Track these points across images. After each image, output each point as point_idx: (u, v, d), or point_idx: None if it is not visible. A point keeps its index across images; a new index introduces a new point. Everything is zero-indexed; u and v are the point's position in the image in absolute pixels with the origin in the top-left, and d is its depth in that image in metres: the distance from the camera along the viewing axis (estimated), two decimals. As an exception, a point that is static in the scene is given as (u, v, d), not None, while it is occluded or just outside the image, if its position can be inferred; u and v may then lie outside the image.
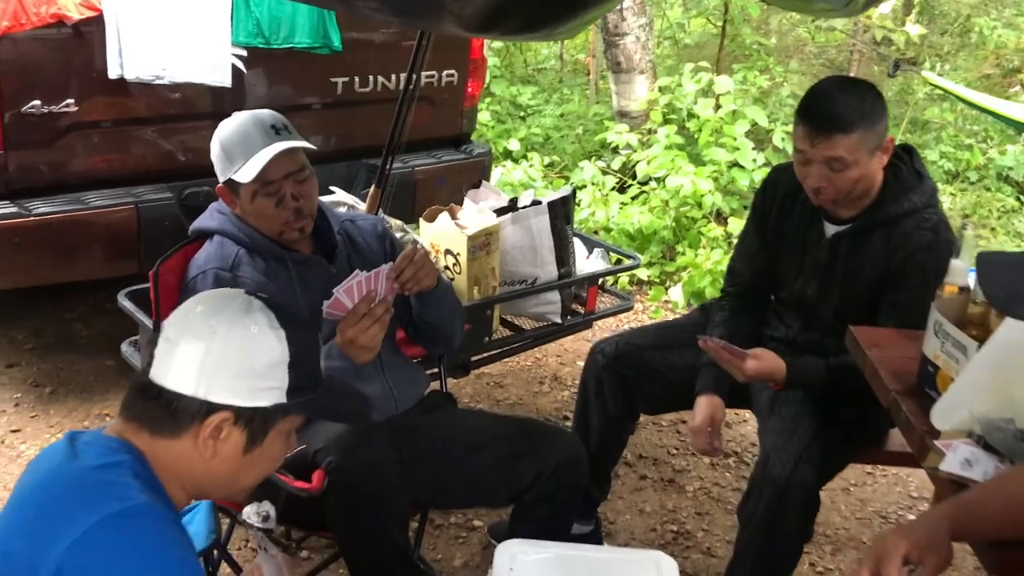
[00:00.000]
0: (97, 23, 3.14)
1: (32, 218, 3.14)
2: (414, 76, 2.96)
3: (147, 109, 3.37)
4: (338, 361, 2.09)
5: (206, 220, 2.29)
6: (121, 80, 3.22)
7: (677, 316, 4.67)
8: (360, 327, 2.06)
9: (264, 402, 1.32)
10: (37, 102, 3.11)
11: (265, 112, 2.24)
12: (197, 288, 2.15)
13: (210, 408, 1.30)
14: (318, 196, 2.30)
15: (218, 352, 1.30)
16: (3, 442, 3.26)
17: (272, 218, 2.20)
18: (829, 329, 2.33)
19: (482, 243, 3.00)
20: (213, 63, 3.40)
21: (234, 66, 3.44)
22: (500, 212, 3.19)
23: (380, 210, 3.04)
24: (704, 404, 2.34)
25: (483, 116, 6.46)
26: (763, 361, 2.20)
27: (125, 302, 2.77)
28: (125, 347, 2.92)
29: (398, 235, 2.88)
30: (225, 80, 3.44)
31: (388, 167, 3.10)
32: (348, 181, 3.81)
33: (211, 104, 3.48)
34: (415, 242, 2.95)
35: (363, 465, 1.93)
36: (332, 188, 3.15)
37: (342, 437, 1.95)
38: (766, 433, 2.29)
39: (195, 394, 1.29)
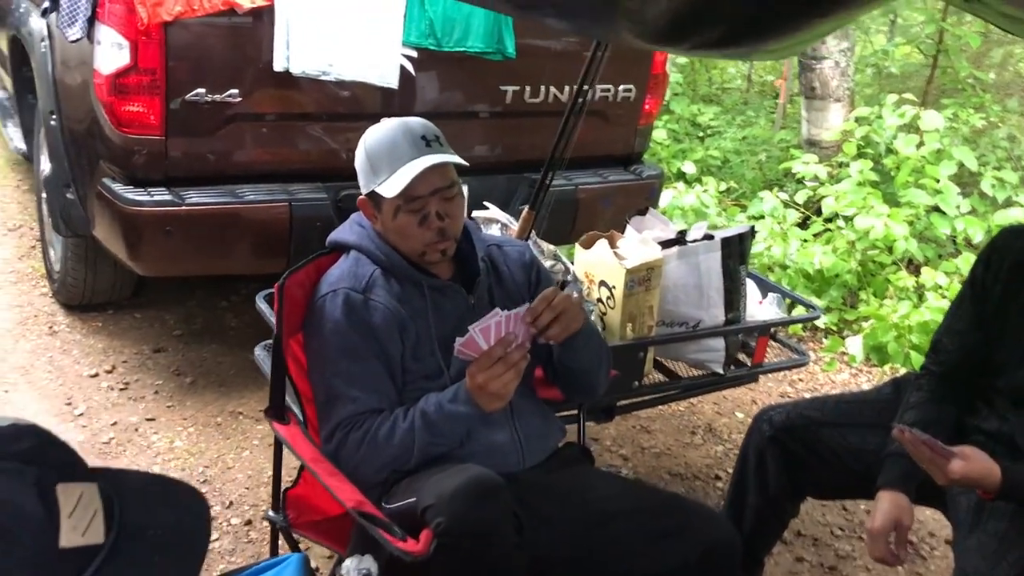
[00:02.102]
0: (267, 14, 3.05)
1: (184, 207, 3.08)
2: (584, 89, 2.70)
3: (310, 105, 3.27)
4: (464, 407, 1.87)
5: (344, 233, 2.11)
6: (286, 73, 3.13)
7: (854, 371, 4.26)
8: (492, 372, 1.83)
9: None
10: (202, 90, 3.05)
11: (416, 121, 2.03)
12: (326, 308, 1.98)
13: None
14: (464, 216, 2.08)
15: None
16: (136, 430, 3.22)
17: (414, 237, 2.00)
18: (1057, 431, 1.92)
19: (642, 278, 2.70)
20: (381, 63, 3.27)
21: (402, 67, 3.30)
22: (666, 244, 2.89)
23: (532, 233, 2.79)
24: (888, 503, 1.96)
25: (659, 134, 6.14)
26: (972, 463, 1.80)
27: (262, 304, 2.65)
28: (258, 351, 2.79)
29: (549, 263, 2.63)
30: (392, 81, 3.30)
31: (545, 188, 2.85)
32: (507, 195, 3.60)
33: (375, 105, 3.35)
34: (563, 274, 2.68)
35: (476, 530, 1.69)
36: (486, 204, 2.93)
37: (455, 495, 1.71)
38: (966, 551, 1.89)
39: None
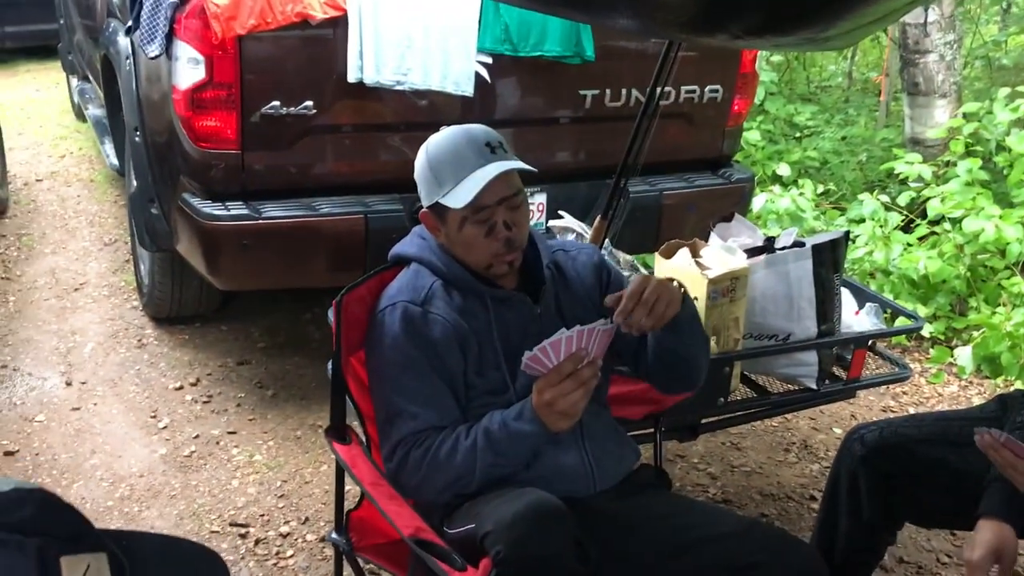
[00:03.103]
0: (340, 24, 3.03)
1: (261, 221, 3.07)
2: (657, 91, 2.57)
3: (385, 116, 3.23)
4: (529, 425, 1.77)
5: (406, 246, 2.05)
6: (360, 84, 3.09)
7: (963, 384, 3.99)
8: (561, 389, 1.72)
9: None
10: (276, 103, 3.04)
11: (478, 128, 1.96)
12: (385, 322, 1.91)
13: None
14: (530, 224, 1.99)
15: None
16: (218, 443, 3.24)
17: (481, 249, 1.92)
18: None
19: (726, 288, 2.56)
20: (456, 71, 3.21)
21: (477, 74, 3.23)
22: (752, 252, 2.74)
23: (607, 242, 2.68)
24: (988, 532, 1.78)
25: (752, 135, 5.92)
26: None
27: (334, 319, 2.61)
28: (331, 365, 2.76)
29: (625, 274, 2.51)
30: (468, 89, 3.24)
31: (618, 195, 2.73)
32: (588, 202, 3.49)
33: (452, 113, 3.28)
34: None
35: (536, 562, 1.59)
36: (561, 213, 2.84)
37: (516, 522, 1.61)
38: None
39: None
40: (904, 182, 5.02)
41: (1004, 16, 7.39)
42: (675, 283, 1.85)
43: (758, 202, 4.88)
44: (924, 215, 4.75)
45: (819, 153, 6.14)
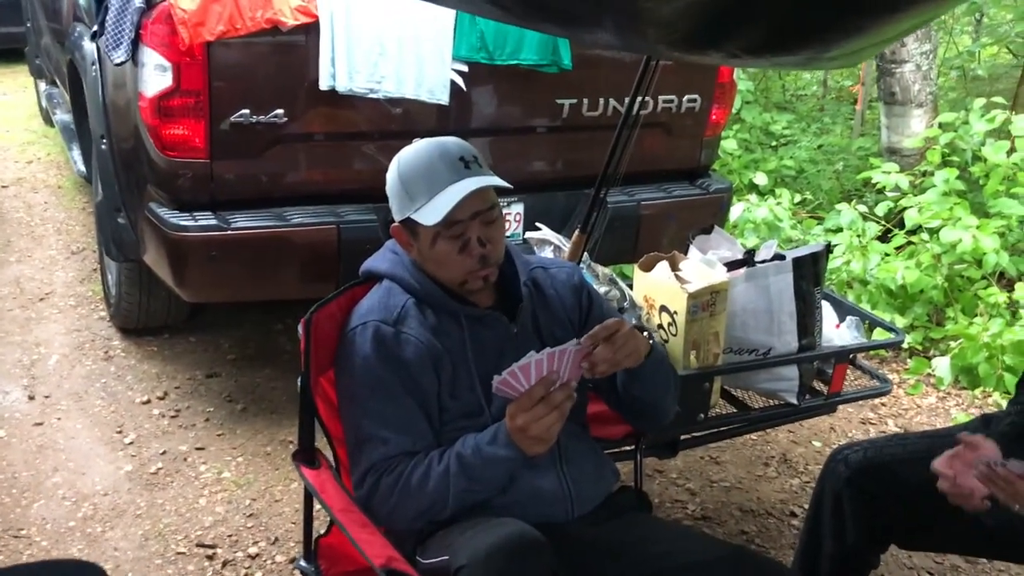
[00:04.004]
0: (312, 31, 2.96)
1: (230, 231, 2.99)
2: (637, 102, 2.52)
3: (358, 124, 3.17)
4: (504, 450, 1.71)
5: (378, 261, 1.99)
6: (332, 92, 3.03)
7: (941, 395, 3.98)
8: (534, 414, 1.67)
9: None
10: (246, 111, 2.96)
11: (452, 141, 1.89)
12: (355, 342, 1.84)
13: None
14: (505, 239, 1.93)
15: None
16: (185, 459, 3.15)
17: (454, 265, 1.85)
18: None
19: (706, 302, 2.51)
20: (431, 79, 3.15)
21: (453, 82, 3.17)
22: (732, 265, 2.69)
23: (585, 256, 2.62)
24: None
25: (729, 144, 5.90)
26: None
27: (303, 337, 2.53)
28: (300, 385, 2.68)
29: (604, 289, 2.46)
30: (443, 98, 3.18)
31: (598, 207, 2.67)
32: (566, 212, 3.45)
33: (426, 122, 3.22)
34: (620, 300, 2.50)
35: (512, 596, 1.53)
36: (538, 225, 2.78)
37: (491, 556, 1.55)
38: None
39: None
40: (881, 191, 5.02)
41: (977, 27, 7.43)
42: (645, 334, 1.81)
43: (735, 211, 4.85)
44: (901, 225, 4.74)
45: (795, 162, 6.13)
